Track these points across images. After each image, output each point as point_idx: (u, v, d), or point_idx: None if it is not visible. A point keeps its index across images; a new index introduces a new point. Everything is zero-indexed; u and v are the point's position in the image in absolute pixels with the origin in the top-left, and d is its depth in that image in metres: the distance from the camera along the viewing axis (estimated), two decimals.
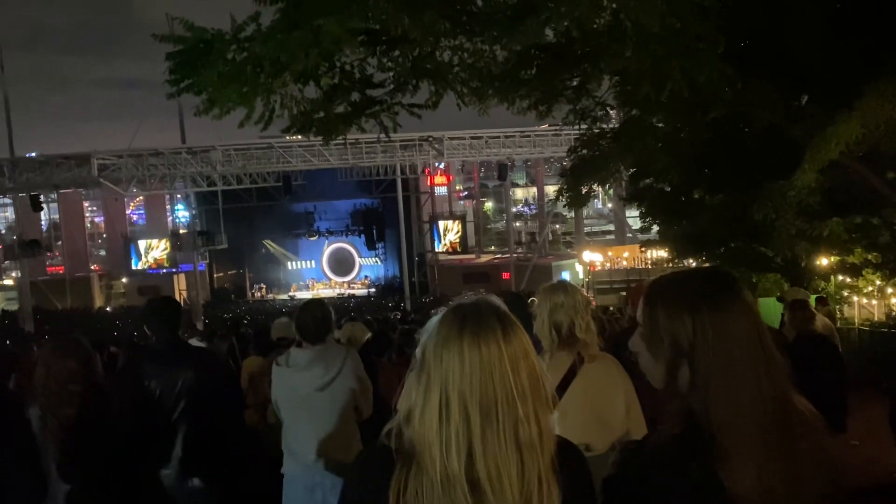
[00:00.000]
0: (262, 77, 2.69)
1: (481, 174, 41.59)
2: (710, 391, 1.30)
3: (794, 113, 7.32)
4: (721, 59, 4.39)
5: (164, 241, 36.80)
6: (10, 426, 3.48)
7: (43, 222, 38.32)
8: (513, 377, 1.29)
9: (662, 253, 18.22)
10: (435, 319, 1.38)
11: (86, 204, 41.27)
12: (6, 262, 38.12)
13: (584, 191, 10.00)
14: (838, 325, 10.38)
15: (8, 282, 38.41)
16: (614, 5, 2.83)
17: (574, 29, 2.84)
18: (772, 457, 1.26)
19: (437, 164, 35.81)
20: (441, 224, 38.24)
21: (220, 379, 4.03)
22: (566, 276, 32.75)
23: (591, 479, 1.41)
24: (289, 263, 42.94)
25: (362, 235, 40.69)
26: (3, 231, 40.23)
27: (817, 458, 1.30)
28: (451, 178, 39.81)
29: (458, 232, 37.88)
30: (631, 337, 1.48)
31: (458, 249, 37.80)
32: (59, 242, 40.15)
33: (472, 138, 31.31)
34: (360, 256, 42.23)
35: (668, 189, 12.58)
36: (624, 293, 18.53)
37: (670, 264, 15.40)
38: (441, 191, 39.90)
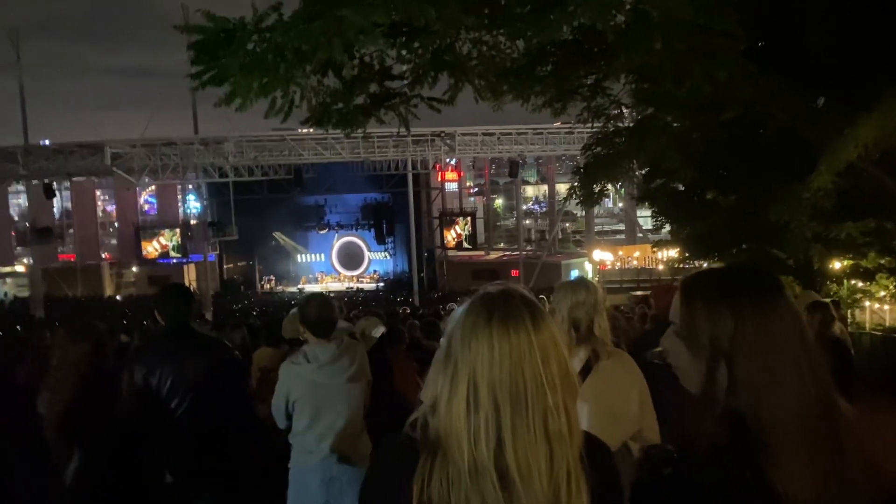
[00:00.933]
0: (283, 67, 2.70)
1: (492, 171, 41.55)
2: (755, 392, 1.27)
3: (810, 114, 7.27)
4: (742, 56, 4.35)
5: (168, 230, 37.00)
6: (19, 420, 3.51)
7: (55, 210, 38.56)
8: (542, 366, 1.27)
9: (673, 253, 18.15)
10: (461, 308, 1.37)
11: (98, 192, 41.52)
12: (18, 248, 38.44)
13: (596, 189, 9.95)
14: (850, 329, 10.32)
15: (19, 268, 38.68)
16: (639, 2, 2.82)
17: (599, 22, 2.82)
18: (821, 456, 1.24)
19: (448, 160, 35.78)
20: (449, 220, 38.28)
21: (230, 368, 4.03)
22: (576, 274, 32.72)
23: (618, 475, 1.39)
24: (298, 256, 43.07)
25: (372, 230, 40.78)
26: (17, 218, 40.47)
27: (862, 458, 1.28)
28: (462, 174, 39.79)
29: (466, 226, 37.87)
30: (652, 337, 1.45)
31: (467, 245, 37.78)
32: (71, 230, 40.40)
33: (485, 134, 31.26)
34: (370, 251, 42.32)
35: (681, 189, 12.51)
36: (639, 293, 18.43)
37: (682, 265, 15.34)
38: (452, 187, 39.89)
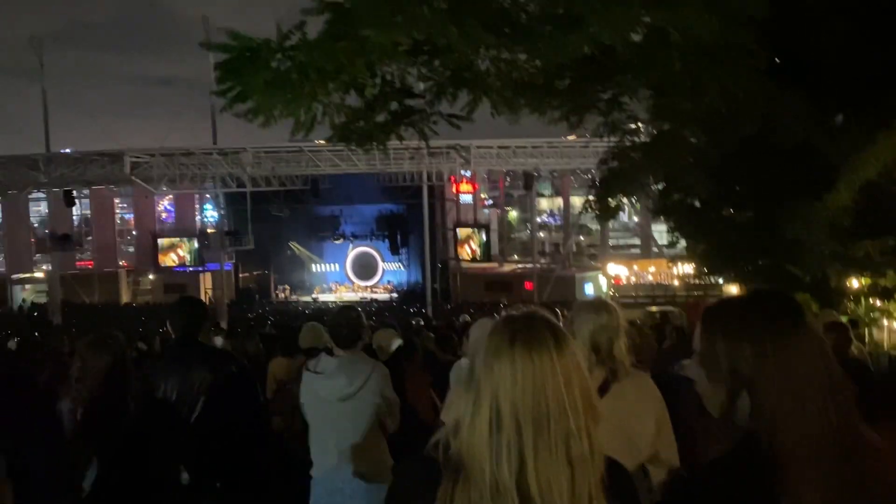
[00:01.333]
0: (307, 86, 2.74)
1: (507, 183, 41.56)
2: (774, 421, 1.28)
3: (828, 131, 7.23)
4: (760, 72, 4.35)
5: (185, 239, 37.34)
6: (40, 420, 3.56)
7: (74, 217, 38.99)
8: (565, 390, 1.29)
9: (689, 268, 18.05)
10: (482, 331, 1.39)
11: (116, 200, 41.95)
12: (37, 255, 38.89)
13: (612, 204, 9.93)
14: (868, 348, 10.21)
15: (38, 274, 39.11)
16: (660, 17, 2.83)
17: (618, 43, 2.85)
18: (837, 488, 1.24)
19: (463, 173, 35.85)
20: (462, 232, 38.31)
21: (238, 381, 4.05)
22: (590, 288, 32.59)
23: (638, 500, 1.41)
24: (313, 266, 43.27)
25: (386, 240, 40.91)
26: (36, 225, 40.96)
27: (885, 485, 1.27)
28: (476, 186, 39.86)
29: (480, 238, 37.88)
30: (676, 354, 1.47)
31: (478, 258, 37.77)
32: (89, 238, 40.83)
33: (500, 147, 31.30)
34: (384, 261, 42.43)
35: (697, 204, 12.46)
36: (654, 308, 18.31)
37: (697, 280, 15.27)
38: (466, 199, 39.95)
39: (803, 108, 6.39)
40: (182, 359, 3.77)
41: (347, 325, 3.63)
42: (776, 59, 7.04)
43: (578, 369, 1.33)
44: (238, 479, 3.77)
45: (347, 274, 42.94)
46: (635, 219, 37.17)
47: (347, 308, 3.81)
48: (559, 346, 1.32)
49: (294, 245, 41.84)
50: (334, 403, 3.54)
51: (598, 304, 2.85)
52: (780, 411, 1.28)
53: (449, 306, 33.70)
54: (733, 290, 13.67)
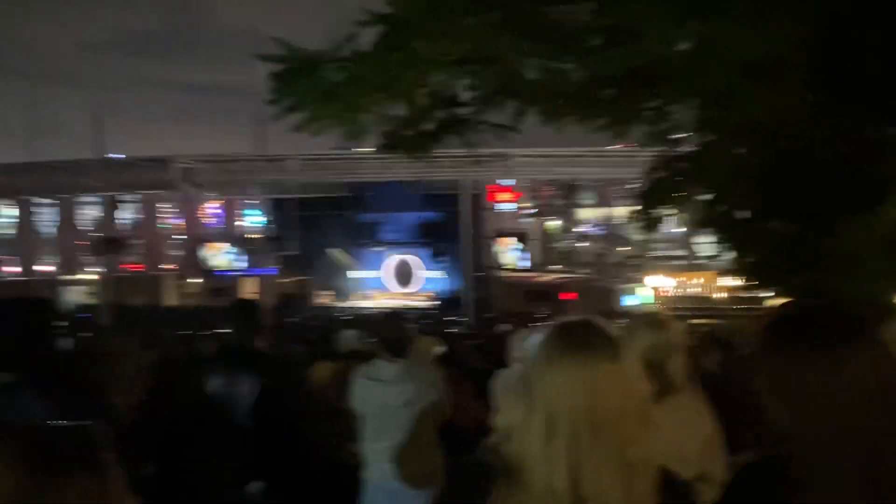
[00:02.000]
0: (359, 96, 2.80)
1: (548, 192, 41.35)
2: (815, 434, 1.24)
3: (878, 144, 7.06)
4: (805, 86, 4.29)
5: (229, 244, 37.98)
6: (93, 417, 3.66)
7: (123, 221, 39.99)
8: (620, 397, 1.30)
9: (736, 281, 17.69)
10: (536, 337, 1.40)
11: (164, 205, 42.92)
12: (87, 258, 39.98)
13: (657, 214, 9.83)
14: None
15: (88, 277, 40.15)
16: (709, 30, 2.82)
17: (668, 55, 2.85)
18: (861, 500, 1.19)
19: (504, 181, 35.81)
20: (503, 240, 38.22)
21: (290, 384, 4.12)
22: (633, 300, 32.19)
23: None
24: (353, 272, 43.61)
25: (426, 248, 41.06)
26: (87, 229, 42.10)
27: None
28: (517, 195, 39.76)
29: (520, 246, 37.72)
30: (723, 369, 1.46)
31: (520, 266, 37.62)
32: (137, 241, 41.81)
33: (542, 156, 31.21)
34: (424, 269, 42.56)
35: (744, 217, 12.23)
36: (699, 321, 18.01)
37: (744, 293, 14.96)
38: (508, 207, 39.87)
39: (850, 121, 6.26)
40: (235, 362, 3.84)
41: (397, 332, 3.66)
42: (822, 71, 6.91)
43: (633, 377, 1.35)
44: (285, 481, 3.83)
45: (387, 281, 43.17)
46: (680, 230, 36.62)
47: (394, 315, 3.84)
48: (614, 353, 1.33)
49: (334, 251, 42.26)
50: (395, 409, 3.56)
51: (656, 321, 2.75)
52: (816, 438, 1.24)
53: (489, 315, 33.60)
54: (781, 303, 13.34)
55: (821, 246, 8.51)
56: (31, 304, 2.78)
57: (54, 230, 40.75)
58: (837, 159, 7.91)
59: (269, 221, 36.99)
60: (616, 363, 1.32)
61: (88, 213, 42.13)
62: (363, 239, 42.48)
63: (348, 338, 6.02)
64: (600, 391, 1.29)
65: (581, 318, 1.41)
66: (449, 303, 39.70)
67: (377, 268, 43.14)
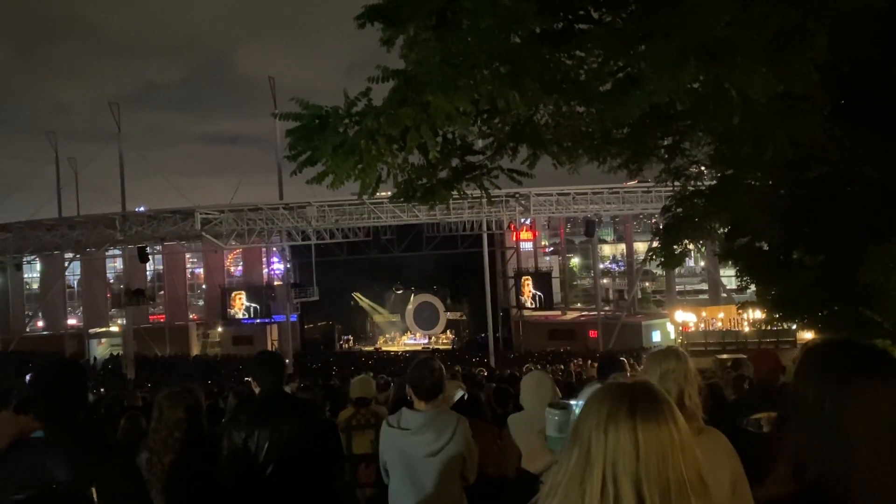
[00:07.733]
0: (374, 150, 2.85)
1: (567, 230, 41.37)
2: (843, 468, 1.25)
3: None
4: (826, 118, 4.28)
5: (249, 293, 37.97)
6: (122, 472, 3.67)
7: (147, 272, 40.52)
8: (685, 465, 1.27)
9: (760, 314, 17.49)
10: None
11: (187, 255, 43.49)
12: (113, 309, 40.51)
13: (678, 250, 9.77)
14: None
15: (114, 328, 40.60)
16: (715, 75, 2.84)
17: (678, 101, 2.87)
18: None
19: (523, 220, 35.90)
20: (524, 280, 38.12)
21: (324, 431, 4.11)
22: (657, 336, 31.82)
23: None
24: (375, 316, 43.70)
25: (447, 289, 41.10)
26: (112, 280, 42.73)
27: None
28: (536, 233, 39.81)
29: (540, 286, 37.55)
30: (749, 402, 1.46)
31: (537, 305, 37.38)
32: (161, 292, 42.30)
33: (559, 194, 31.30)
34: (445, 310, 42.54)
35: (766, 248, 12.13)
36: (724, 356, 17.75)
37: (769, 327, 14.75)
38: (527, 246, 39.90)
39: (873, 150, 6.23)
40: (272, 411, 3.85)
41: (431, 376, 3.61)
42: (842, 101, 6.91)
43: (692, 442, 1.31)
44: None
45: (409, 323, 43.17)
46: (702, 264, 36.35)
47: (428, 360, 3.80)
48: (675, 418, 1.30)
49: (357, 295, 42.43)
50: (421, 459, 3.52)
51: (668, 351, 2.78)
52: (840, 469, 1.25)
53: (512, 355, 33.37)
54: (808, 336, 13.15)
55: (846, 276, 8.40)
56: (66, 367, 2.86)
57: (79, 284, 41.42)
58: (867, 187, 7.85)
59: (289, 268, 37.27)
60: (678, 428, 1.28)
61: (113, 265, 42.85)
62: (384, 282, 42.66)
63: (355, 384, 6.00)
64: (667, 457, 1.26)
65: (639, 381, 1.38)
66: (472, 343, 39.55)
67: (400, 310, 43.22)
